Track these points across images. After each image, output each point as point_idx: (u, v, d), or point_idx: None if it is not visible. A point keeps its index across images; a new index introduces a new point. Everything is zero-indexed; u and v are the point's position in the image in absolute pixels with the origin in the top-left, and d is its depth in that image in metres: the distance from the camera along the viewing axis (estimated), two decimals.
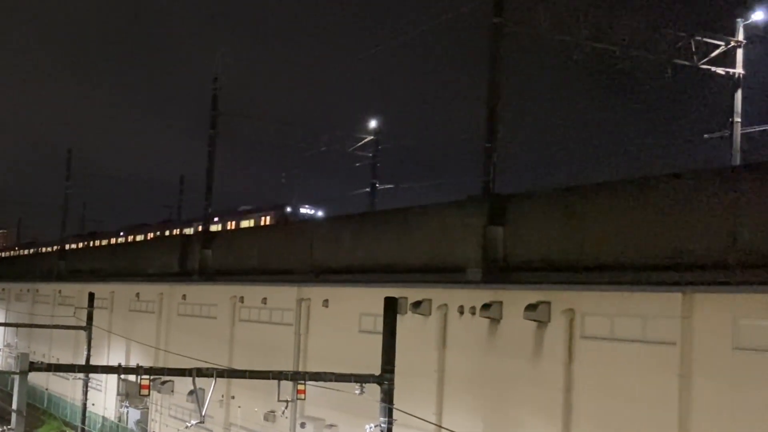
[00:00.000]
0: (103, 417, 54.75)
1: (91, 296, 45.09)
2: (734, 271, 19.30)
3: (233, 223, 69.98)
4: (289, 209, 63.48)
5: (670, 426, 19.69)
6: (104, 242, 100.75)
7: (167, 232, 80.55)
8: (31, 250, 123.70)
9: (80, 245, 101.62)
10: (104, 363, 47.98)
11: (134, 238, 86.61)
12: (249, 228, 63.03)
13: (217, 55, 51.37)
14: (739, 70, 36.24)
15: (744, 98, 35.88)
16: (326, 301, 34.08)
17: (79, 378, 47.44)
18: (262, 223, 63.91)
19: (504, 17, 28.16)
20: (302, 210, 64.78)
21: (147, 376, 23.67)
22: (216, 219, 67.82)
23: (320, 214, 62.98)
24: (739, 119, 36.03)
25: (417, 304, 27.94)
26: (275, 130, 54.98)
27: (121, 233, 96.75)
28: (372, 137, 56.54)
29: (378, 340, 23.98)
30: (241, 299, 40.50)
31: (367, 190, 58.52)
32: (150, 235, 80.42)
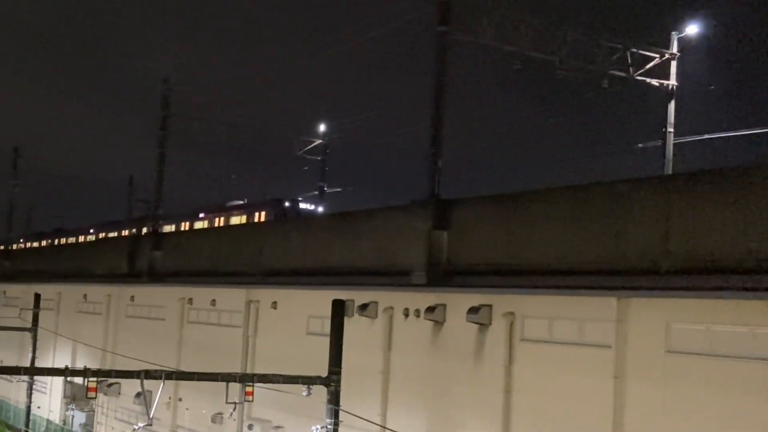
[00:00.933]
0: (48, 420, 54.32)
1: (37, 297, 44.78)
2: (667, 276, 20.01)
3: (220, 219, 63.14)
4: (287, 204, 56.91)
5: (605, 426, 20.38)
6: (71, 240, 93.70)
7: (144, 230, 77.52)
8: None
9: (43, 244, 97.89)
10: (50, 365, 47.73)
11: (106, 235, 79.65)
12: (199, 229, 61.20)
13: (168, 56, 51.30)
14: (672, 81, 37.40)
15: (677, 109, 37.03)
16: (275, 303, 34.38)
17: (24, 380, 47.04)
18: (256, 220, 57.88)
19: (449, 26, 28.74)
20: (301, 205, 58.10)
21: (94, 379, 23.73)
22: (201, 215, 65.15)
23: (320, 209, 57.57)
24: (671, 129, 37.18)
25: (364, 307, 28.41)
26: (226, 131, 55.01)
27: (92, 230, 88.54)
28: (321, 141, 56.94)
29: (325, 342, 24.38)
30: (190, 301, 40.60)
31: (316, 193, 59.15)
32: (125, 233, 75.16)
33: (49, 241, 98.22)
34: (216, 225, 62.25)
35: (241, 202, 66.24)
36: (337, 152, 60.26)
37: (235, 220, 60.94)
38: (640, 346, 20.14)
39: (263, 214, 57.73)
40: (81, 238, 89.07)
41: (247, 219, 59.17)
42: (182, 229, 64.85)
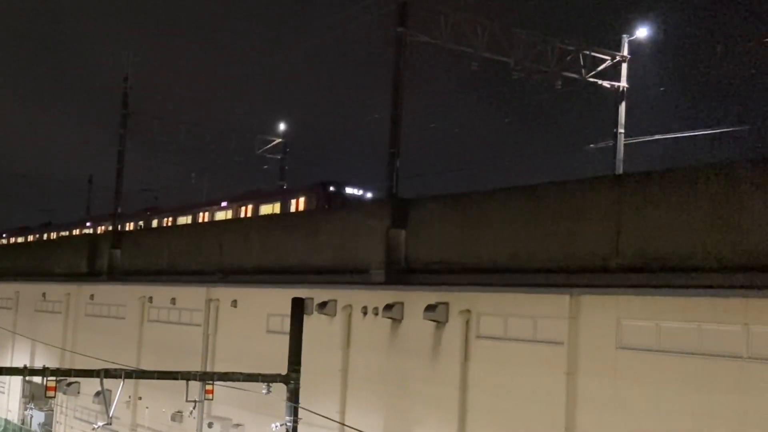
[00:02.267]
0: (6, 420, 53.92)
1: None
2: (618, 274, 20.52)
3: (247, 208, 53.17)
4: (332, 189, 47.17)
5: (557, 420, 20.84)
6: (64, 234, 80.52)
7: (155, 222, 64.71)
8: None
9: (29, 239, 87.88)
10: (8, 364, 47.41)
11: (107, 228, 68.45)
12: (159, 228, 60.47)
13: (128, 54, 51.11)
14: (623, 83, 38.12)
15: (628, 110, 37.78)
16: (235, 301, 34.49)
17: None
18: (293, 208, 48.87)
19: (407, 27, 29.13)
20: (348, 190, 48.49)
21: (53, 378, 23.75)
22: (224, 204, 55.40)
23: (369, 195, 48.96)
24: (622, 130, 37.93)
25: (323, 305, 28.66)
26: (185, 130, 54.98)
27: (88, 224, 77.68)
28: (280, 140, 57.10)
29: (285, 340, 24.65)
30: (150, 299, 40.56)
31: None
32: (130, 226, 65.99)
33: (36, 236, 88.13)
34: (242, 215, 52.94)
35: (278, 187, 56.68)
36: (297, 151, 60.42)
37: (266, 209, 51.45)
38: (592, 343, 20.61)
39: (302, 200, 48.96)
40: (75, 232, 78.73)
41: (282, 208, 49.86)
42: (200, 221, 56.85)
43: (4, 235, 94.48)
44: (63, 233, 79.85)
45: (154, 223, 62.87)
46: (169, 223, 60.85)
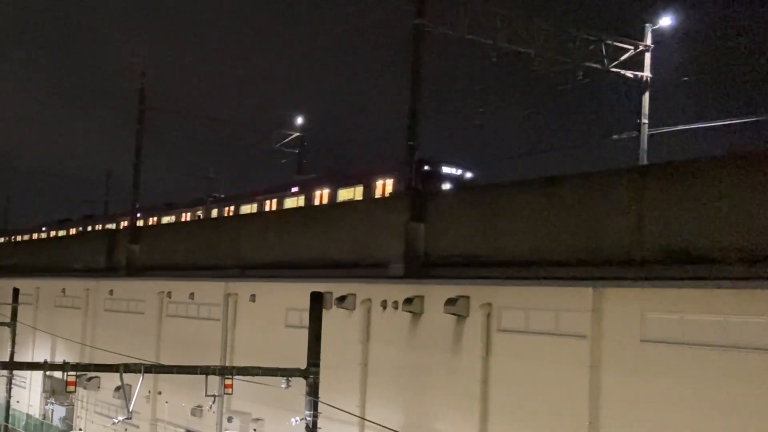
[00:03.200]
0: (28, 414, 54.18)
1: (16, 292, 44.65)
2: (641, 267, 20.26)
3: (323, 193, 45.12)
4: (427, 168, 38.86)
5: (581, 414, 20.60)
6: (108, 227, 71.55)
7: (214, 212, 57.56)
8: None
9: (72, 232, 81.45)
10: (29, 359, 47.53)
11: (158, 220, 63.70)
12: (176, 223, 60.30)
13: (145, 50, 51.06)
14: (646, 73, 37.68)
15: (652, 100, 37.38)
16: (253, 296, 34.44)
17: (3, 375, 46.93)
18: (379, 192, 40.76)
19: (425, 18, 28.87)
20: (446, 169, 40.61)
21: (73, 373, 23.79)
22: (294, 189, 47.88)
23: (468, 175, 41.39)
24: (646, 121, 37.47)
25: (342, 299, 28.52)
26: (202, 125, 54.97)
27: (138, 215, 64.05)
28: (298, 134, 56.96)
29: (304, 335, 24.51)
30: (169, 294, 40.58)
31: None
32: (186, 216, 60.36)
33: (80, 228, 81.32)
34: (317, 202, 45.45)
35: (362, 167, 46.11)
36: (314, 144, 60.21)
37: (346, 194, 42.93)
38: (615, 336, 20.37)
39: (389, 182, 40.02)
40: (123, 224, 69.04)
41: (366, 192, 41.43)
42: (266, 209, 49.93)
43: (44, 228, 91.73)
44: (108, 226, 71.23)
45: (214, 213, 56.56)
46: (231, 213, 54.23)
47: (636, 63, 37.22)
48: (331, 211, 33.08)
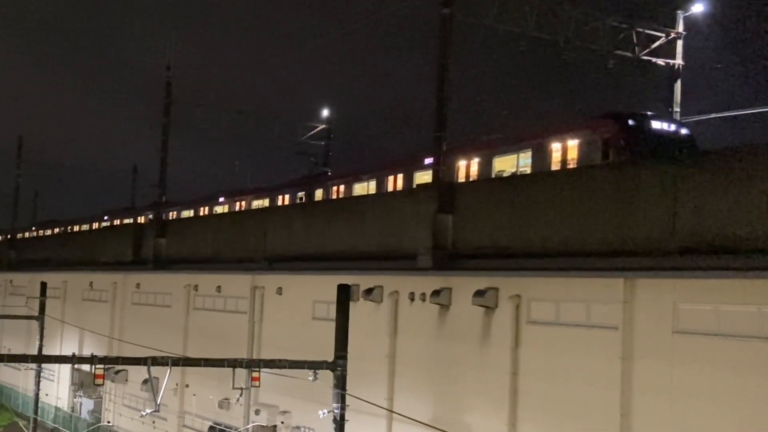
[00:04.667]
0: (56, 407, 54.56)
1: (44, 285, 44.87)
2: (674, 257, 19.92)
3: (473, 161, 34.08)
4: (632, 122, 29.44)
5: (612, 406, 20.36)
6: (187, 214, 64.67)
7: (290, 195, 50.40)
8: None
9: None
10: (57, 353, 47.86)
11: (250, 203, 55.42)
12: (202, 217, 60.09)
13: (170, 43, 51.05)
14: (678, 60, 37.23)
15: (683, 88, 36.90)
16: (280, 288, 34.41)
17: (32, 368, 47.21)
18: (559, 159, 30.53)
19: (452, 8, 28.61)
20: (655, 124, 30.08)
21: (101, 366, 23.77)
22: (428, 161, 34.69)
23: (683, 132, 31.12)
24: (678, 109, 36.96)
25: (369, 291, 28.40)
26: (229, 118, 54.90)
27: (221, 199, 60.03)
28: (324, 126, 56.83)
29: (331, 327, 24.35)
30: (196, 288, 40.65)
31: None
32: (284, 199, 51.80)
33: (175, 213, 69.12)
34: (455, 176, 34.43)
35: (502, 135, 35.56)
36: (340, 136, 60.01)
37: (502, 163, 33.05)
38: (647, 327, 20.09)
39: (574, 145, 30.10)
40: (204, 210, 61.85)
41: (534, 158, 31.56)
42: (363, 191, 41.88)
43: (106, 218, 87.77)
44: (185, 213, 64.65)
45: (319, 195, 47.47)
46: (340, 193, 44.83)
47: (668, 50, 36.80)
48: (359, 203, 32.87)
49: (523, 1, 32.84)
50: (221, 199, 59.58)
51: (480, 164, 33.41)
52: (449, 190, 26.93)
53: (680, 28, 37.02)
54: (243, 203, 56.10)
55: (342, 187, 44.29)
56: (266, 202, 52.63)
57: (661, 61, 36.81)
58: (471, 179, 32.76)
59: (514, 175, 25.39)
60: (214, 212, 59.10)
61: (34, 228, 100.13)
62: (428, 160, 34.31)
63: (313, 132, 56.59)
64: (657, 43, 36.62)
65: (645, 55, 36.48)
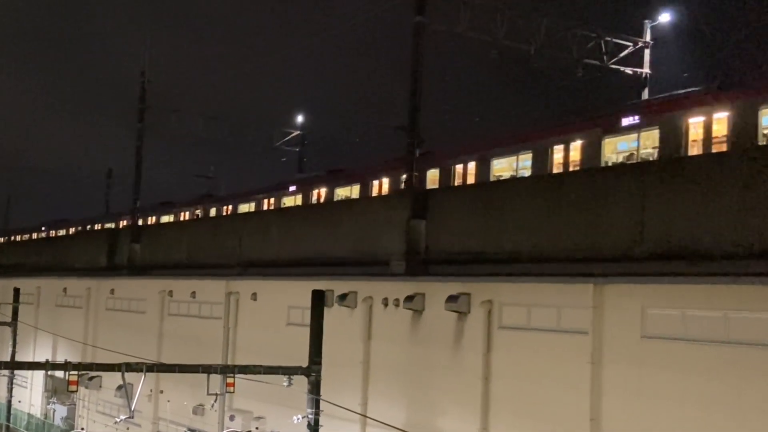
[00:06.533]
0: (29, 414, 54.20)
1: (17, 291, 44.65)
2: (642, 262, 20.25)
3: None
4: None
5: (582, 411, 20.60)
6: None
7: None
8: None
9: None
10: (30, 359, 47.55)
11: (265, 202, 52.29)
12: (177, 222, 59.90)
13: (145, 47, 51.04)
14: (646, 69, 37.81)
15: (651, 96, 37.39)
16: (255, 294, 34.44)
17: (4, 375, 46.92)
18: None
19: (425, 16, 28.90)
20: None
21: (75, 372, 23.77)
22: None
23: None
24: None
25: (343, 297, 28.52)
26: (202, 124, 54.95)
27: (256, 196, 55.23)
28: (298, 132, 57.00)
29: (306, 333, 24.50)
30: (170, 293, 40.58)
31: None
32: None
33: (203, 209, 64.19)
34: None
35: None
36: (315, 142, 60.18)
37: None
38: (617, 332, 20.37)
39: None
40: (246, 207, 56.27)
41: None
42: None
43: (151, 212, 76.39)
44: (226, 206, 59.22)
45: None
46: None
47: (635, 59, 37.34)
48: (333, 209, 33.03)
49: (494, 10, 33.20)
50: (292, 188, 51.17)
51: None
52: (422, 196, 27.18)
53: (647, 37, 37.62)
54: (320, 192, 47.14)
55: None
56: (354, 190, 42.61)
57: (629, 70, 37.35)
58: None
59: (486, 182, 25.64)
60: (282, 205, 50.28)
61: None
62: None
63: (287, 138, 56.75)
64: (625, 52, 37.16)
65: (613, 63, 37.03)
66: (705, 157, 20.00)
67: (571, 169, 29.13)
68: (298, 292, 29.40)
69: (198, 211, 62.92)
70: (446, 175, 34.31)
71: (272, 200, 52.87)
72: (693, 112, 25.95)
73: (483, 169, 32.10)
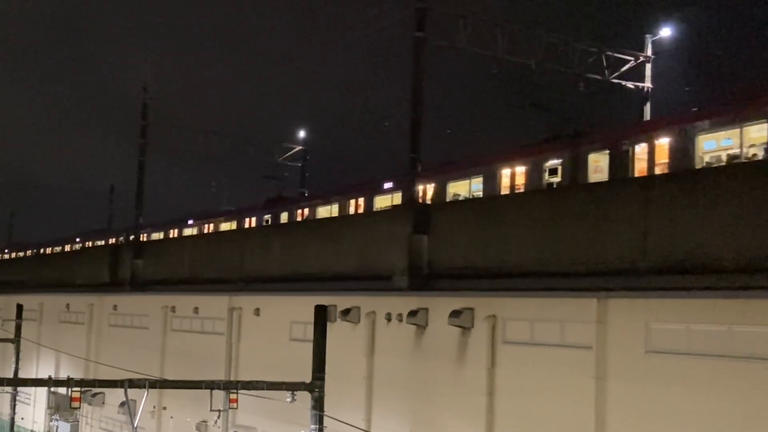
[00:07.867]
0: (32, 431, 54.08)
1: (19, 308, 44.59)
2: (646, 277, 20.22)
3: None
4: None
5: (587, 426, 20.55)
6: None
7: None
8: None
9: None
10: (33, 376, 47.48)
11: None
12: (180, 237, 59.90)
13: (147, 64, 51.21)
14: (647, 84, 37.84)
15: (653, 111, 37.46)
16: (257, 309, 34.41)
17: (7, 391, 46.80)
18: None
19: (426, 32, 28.96)
20: None
21: (78, 389, 23.71)
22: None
23: None
24: None
25: (346, 312, 28.48)
26: (204, 139, 54.96)
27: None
28: (301, 147, 56.99)
29: (309, 348, 24.47)
30: (173, 309, 40.54)
31: None
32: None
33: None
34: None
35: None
36: (317, 158, 60.14)
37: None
38: (621, 347, 20.33)
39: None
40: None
41: None
42: None
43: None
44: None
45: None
46: None
47: (637, 73, 37.35)
48: (336, 224, 33.01)
49: (494, 25, 33.24)
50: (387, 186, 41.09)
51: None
52: (424, 211, 27.17)
53: (649, 51, 37.68)
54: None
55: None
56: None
57: (630, 84, 37.41)
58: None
59: (487, 197, 25.67)
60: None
61: None
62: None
63: (289, 153, 56.77)
64: (626, 67, 37.20)
65: (615, 78, 37.05)
66: (704, 173, 19.95)
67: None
68: (300, 307, 29.37)
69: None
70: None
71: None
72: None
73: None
